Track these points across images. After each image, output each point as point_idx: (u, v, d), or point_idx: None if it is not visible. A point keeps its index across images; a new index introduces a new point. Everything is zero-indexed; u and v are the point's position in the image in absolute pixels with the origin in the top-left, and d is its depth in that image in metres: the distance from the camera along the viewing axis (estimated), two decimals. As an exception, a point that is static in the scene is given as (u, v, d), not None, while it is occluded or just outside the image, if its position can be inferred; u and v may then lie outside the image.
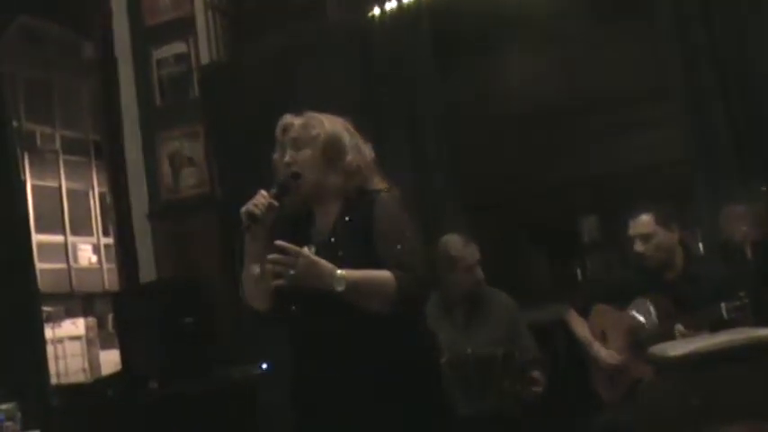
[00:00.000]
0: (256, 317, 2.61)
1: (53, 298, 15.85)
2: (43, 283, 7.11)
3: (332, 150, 2.54)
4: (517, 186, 5.38)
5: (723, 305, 3.28)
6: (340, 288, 2.35)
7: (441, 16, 5.18)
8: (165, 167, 5.92)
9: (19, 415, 3.50)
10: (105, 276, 18.43)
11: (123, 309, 5.60)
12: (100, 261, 19.03)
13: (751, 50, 4.37)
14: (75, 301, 18.47)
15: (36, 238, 12.87)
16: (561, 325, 3.97)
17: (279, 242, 2.36)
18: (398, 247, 2.44)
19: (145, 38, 6.02)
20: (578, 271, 5.51)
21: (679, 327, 3.36)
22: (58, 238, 18.26)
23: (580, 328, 3.81)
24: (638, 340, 3.56)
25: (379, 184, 2.58)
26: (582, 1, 5.30)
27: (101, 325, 18.43)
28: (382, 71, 5.21)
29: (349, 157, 2.54)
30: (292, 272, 2.34)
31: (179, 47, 5.93)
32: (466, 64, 5.48)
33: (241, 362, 4.91)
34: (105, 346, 17.47)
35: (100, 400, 4.99)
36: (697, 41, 4.45)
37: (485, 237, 4.06)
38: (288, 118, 2.62)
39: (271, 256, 2.36)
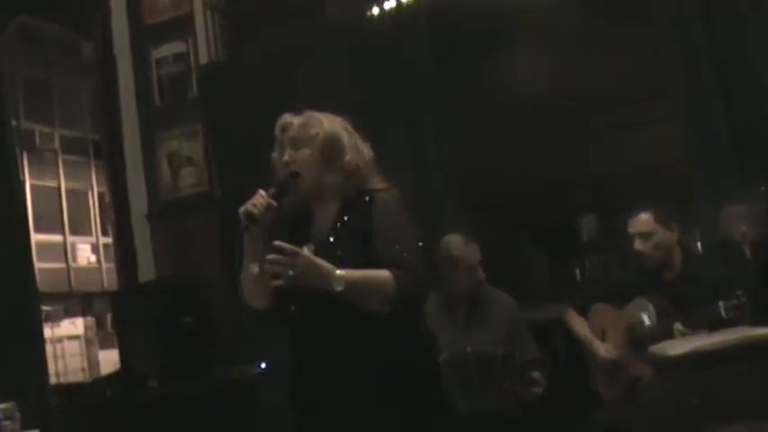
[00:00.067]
0: (256, 316, 2.61)
1: (52, 297, 15.84)
2: (42, 283, 7.09)
3: (331, 150, 2.54)
4: (517, 186, 5.38)
5: (721, 304, 3.28)
6: (339, 288, 2.35)
7: (440, 16, 5.17)
8: (165, 167, 5.92)
9: (18, 414, 3.49)
10: (104, 276, 18.42)
11: (122, 308, 5.60)
12: (99, 260, 19.03)
13: (751, 50, 4.37)
14: (74, 300, 18.48)
15: (35, 237, 12.89)
16: (561, 324, 3.97)
17: (277, 242, 2.36)
18: (397, 246, 2.44)
19: (144, 37, 6.02)
20: (577, 271, 5.51)
21: (678, 325, 3.37)
22: (57, 238, 18.26)
23: (579, 326, 3.82)
24: (636, 339, 3.56)
25: (378, 183, 2.58)
26: (582, 1, 5.29)
27: (100, 324, 18.44)
28: (382, 71, 5.20)
29: (348, 157, 2.54)
30: (291, 272, 2.34)
31: (178, 46, 5.93)
32: (465, 64, 5.47)
33: (241, 361, 4.91)
34: (104, 345, 17.48)
35: (99, 400, 4.99)
36: (697, 42, 4.45)
37: (485, 237, 4.06)
38: (287, 117, 2.61)
39: (270, 257, 2.35)
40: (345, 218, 2.53)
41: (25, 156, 16.28)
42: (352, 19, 5.32)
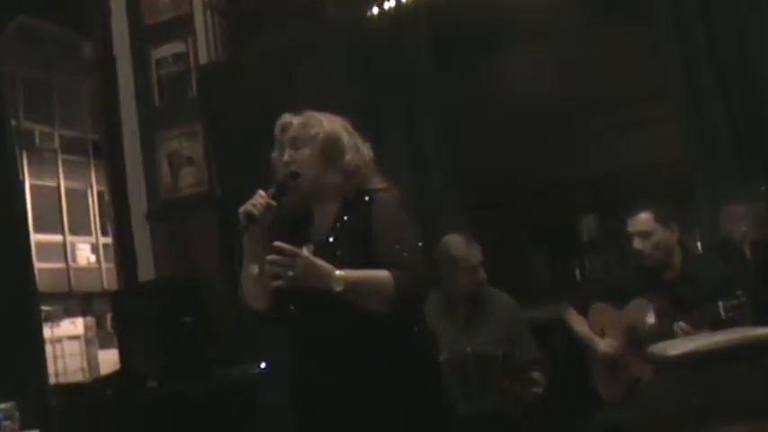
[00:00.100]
0: (256, 316, 2.61)
1: (52, 297, 15.85)
2: (42, 283, 7.09)
3: (331, 150, 2.53)
4: (517, 186, 5.38)
5: (721, 304, 3.29)
6: (339, 288, 2.35)
7: (440, 16, 5.17)
8: (164, 167, 5.92)
9: (17, 414, 3.48)
10: (104, 276, 18.44)
11: (122, 308, 5.59)
12: (99, 260, 19.04)
13: (751, 50, 4.37)
14: (74, 300, 18.49)
15: (35, 237, 12.88)
16: (561, 324, 3.97)
17: (277, 243, 2.36)
18: (397, 246, 2.44)
19: (144, 37, 6.01)
20: (577, 271, 5.51)
21: (681, 324, 3.36)
22: (57, 238, 18.27)
23: (579, 325, 3.82)
24: (636, 338, 3.57)
25: (377, 183, 2.58)
26: (582, 1, 5.29)
27: (99, 324, 18.44)
28: (381, 71, 5.20)
29: (348, 157, 2.54)
30: (291, 273, 2.34)
31: (178, 46, 5.93)
32: (465, 64, 5.47)
33: (241, 361, 4.91)
34: (104, 345, 17.48)
35: (98, 400, 4.99)
36: (697, 41, 4.45)
37: (485, 237, 4.06)
38: (287, 117, 2.61)
39: (269, 258, 2.35)
40: (345, 218, 2.53)
41: (25, 155, 16.29)
42: (352, 19, 5.32)
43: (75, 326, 18.34)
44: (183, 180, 5.86)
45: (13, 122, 10.94)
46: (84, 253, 19.05)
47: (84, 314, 18.61)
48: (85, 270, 18.84)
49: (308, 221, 2.61)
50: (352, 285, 2.36)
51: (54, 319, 16.92)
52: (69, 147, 18.64)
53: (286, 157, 2.55)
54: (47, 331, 10.99)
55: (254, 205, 2.44)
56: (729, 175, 4.33)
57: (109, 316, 15.60)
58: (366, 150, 2.61)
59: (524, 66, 5.39)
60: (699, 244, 4.37)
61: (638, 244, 3.65)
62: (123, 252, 6.08)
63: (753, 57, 4.36)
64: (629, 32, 5.12)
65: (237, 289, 2.61)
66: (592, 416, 3.70)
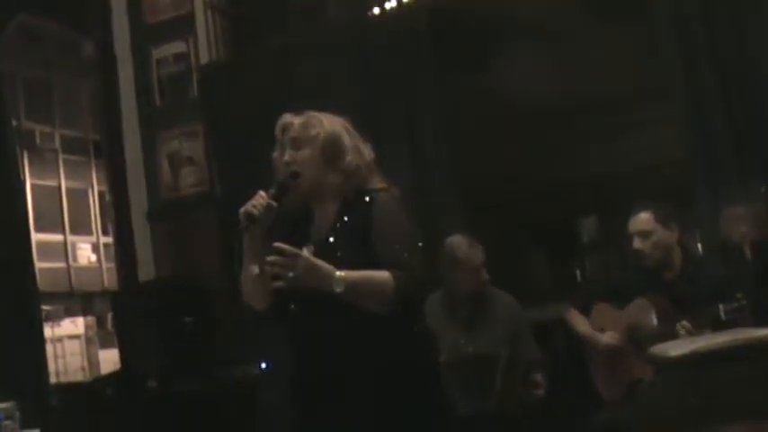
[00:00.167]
0: (256, 316, 2.61)
1: (52, 297, 15.84)
2: (42, 282, 7.10)
3: (331, 150, 2.54)
4: (517, 186, 5.38)
5: (721, 306, 3.28)
6: (339, 289, 2.35)
7: (440, 16, 5.17)
8: (165, 167, 5.92)
9: (18, 414, 3.49)
10: (105, 275, 18.44)
11: (122, 308, 5.61)
12: (99, 260, 19.03)
13: (751, 50, 4.37)
14: (75, 300, 18.48)
15: (35, 237, 12.88)
16: (561, 324, 3.97)
17: (277, 244, 2.36)
18: (397, 246, 2.44)
19: (144, 37, 6.02)
20: (578, 271, 5.51)
21: (685, 323, 3.36)
22: (58, 237, 18.26)
23: (581, 325, 3.82)
24: (637, 338, 3.57)
25: (378, 183, 2.58)
26: (582, 1, 5.29)
27: (100, 324, 18.44)
28: (382, 71, 5.20)
29: (348, 157, 2.54)
30: (291, 274, 2.34)
31: (179, 46, 5.93)
32: (465, 63, 5.47)
33: (241, 361, 4.91)
34: (104, 345, 17.48)
35: (99, 399, 5.00)
36: (697, 41, 4.45)
37: (485, 237, 4.06)
38: (287, 117, 2.61)
39: (269, 259, 2.35)
40: (345, 218, 2.53)
41: (26, 155, 16.28)
42: (352, 19, 5.32)
43: (75, 325, 18.34)
44: (184, 180, 5.87)
45: (14, 122, 10.95)
46: (84, 252, 19.04)
47: (84, 314, 18.60)
48: (86, 270, 18.84)
49: (309, 221, 2.61)
50: (352, 286, 2.36)
51: (55, 318, 16.92)
52: (70, 146, 18.64)
53: (286, 158, 2.55)
54: (47, 331, 10.97)
55: (255, 206, 2.44)
56: (729, 176, 4.33)
57: (109, 315, 15.62)
58: (367, 151, 2.61)
59: (524, 66, 5.39)
60: (699, 245, 4.36)
61: (637, 243, 3.65)
62: (124, 252, 6.08)
63: (753, 57, 4.36)
64: (629, 32, 5.12)
65: (238, 289, 2.61)
66: (592, 416, 3.70)
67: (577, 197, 5.41)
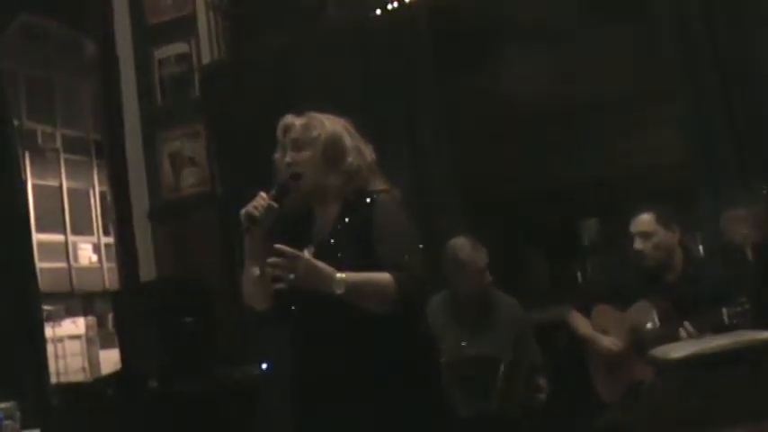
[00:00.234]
0: (257, 317, 2.61)
1: (53, 297, 15.84)
2: (43, 283, 7.10)
3: (332, 151, 2.54)
4: (517, 187, 5.38)
5: (724, 310, 3.28)
6: (340, 291, 2.35)
7: (440, 16, 5.17)
8: (166, 167, 5.93)
9: (18, 414, 3.49)
10: (105, 275, 18.43)
11: (123, 308, 5.61)
12: (100, 260, 19.03)
13: (751, 50, 4.37)
14: (76, 300, 18.47)
15: (36, 237, 12.86)
16: (562, 326, 3.97)
17: (278, 246, 2.36)
18: (397, 248, 2.44)
19: (146, 37, 6.03)
20: (578, 273, 5.50)
21: (687, 325, 3.36)
22: (59, 238, 18.26)
23: (583, 326, 3.82)
24: (639, 340, 3.56)
25: (379, 185, 2.58)
26: (582, 1, 5.29)
27: (101, 324, 18.43)
28: (382, 71, 5.21)
29: (349, 159, 2.54)
30: (292, 276, 2.34)
31: (180, 47, 5.94)
32: (465, 63, 5.47)
33: (241, 361, 4.91)
34: (105, 345, 17.47)
35: (99, 400, 5.00)
36: (697, 41, 4.45)
37: (485, 238, 4.06)
38: (289, 118, 2.62)
39: (270, 260, 2.35)
40: (346, 219, 2.53)
41: (27, 155, 16.28)
42: (352, 19, 5.33)
43: (76, 325, 18.34)
44: (185, 180, 5.88)
45: (16, 122, 10.96)
46: (85, 253, 19.04)
47: (85, 314, 18.60)
48: (87, 270, 18.83)
49: (309, 223, 2.61)
50: (352, 287, 2.36)
51: (55, 318, 16.92)
52: (71, 146, 18.63)
53: (288, 159, 2.55)
54: (48, 331, 10.96)
55: (256, 207, 2.44)
56: (730, 177, 4.33)
57: (110, 316, 15.60)
58: (368, 152, 2.61)
59: (524, 66, 5.39)
60: (700, 246, 4.36)
61: (638, 245, 3.65)
62: (125, 252, 6.09)
63: (753, 57, 4.36)
64: (629, 32, 5.11)
65: (238, 289, 2.61)
66: (592, 417, 3.70)
67: (577, 198, 5.40)
